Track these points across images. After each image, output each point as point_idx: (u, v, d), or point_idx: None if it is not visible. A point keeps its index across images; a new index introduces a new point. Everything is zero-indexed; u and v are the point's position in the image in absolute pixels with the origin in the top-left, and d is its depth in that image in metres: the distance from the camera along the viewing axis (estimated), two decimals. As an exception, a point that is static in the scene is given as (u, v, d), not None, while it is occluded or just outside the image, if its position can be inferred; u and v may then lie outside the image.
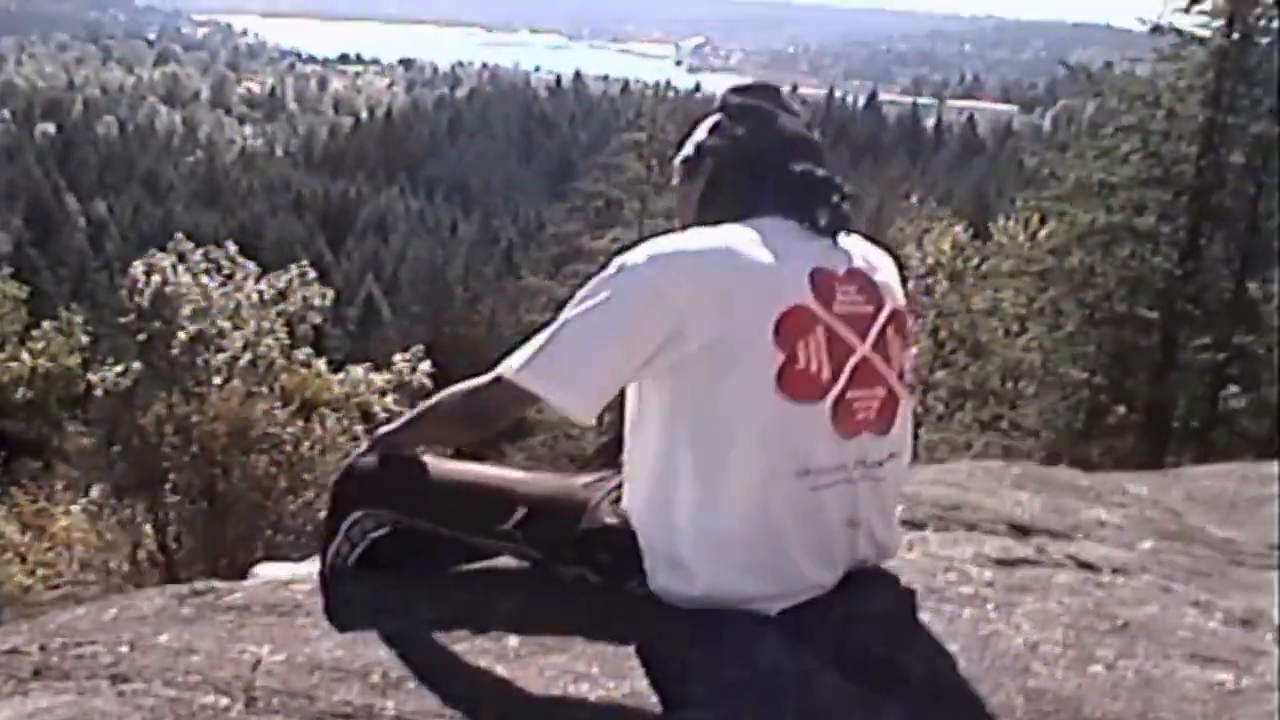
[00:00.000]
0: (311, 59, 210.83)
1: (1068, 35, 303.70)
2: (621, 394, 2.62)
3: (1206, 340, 23.03)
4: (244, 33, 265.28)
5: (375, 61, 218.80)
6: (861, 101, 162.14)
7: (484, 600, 2.62)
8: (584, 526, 2.64)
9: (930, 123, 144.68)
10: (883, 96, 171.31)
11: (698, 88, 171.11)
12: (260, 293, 26.27)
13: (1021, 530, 3.42)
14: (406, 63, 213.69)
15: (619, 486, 2.72)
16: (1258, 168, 23.80)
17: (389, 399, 25.26)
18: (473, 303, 56.12)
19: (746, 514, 2.50)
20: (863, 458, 2.59)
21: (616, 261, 2.52)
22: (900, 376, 2.68)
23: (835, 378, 2.52)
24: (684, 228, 2.73)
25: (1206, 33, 24.00)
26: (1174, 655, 2.56)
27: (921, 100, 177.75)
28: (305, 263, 29.15)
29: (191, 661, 2.32)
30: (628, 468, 2.67)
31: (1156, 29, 24.49)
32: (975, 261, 31.21)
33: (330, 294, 29.28)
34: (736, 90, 2.85)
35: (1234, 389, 23.55)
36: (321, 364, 25.42)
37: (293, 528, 19.30)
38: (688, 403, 2.49)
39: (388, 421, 15.74)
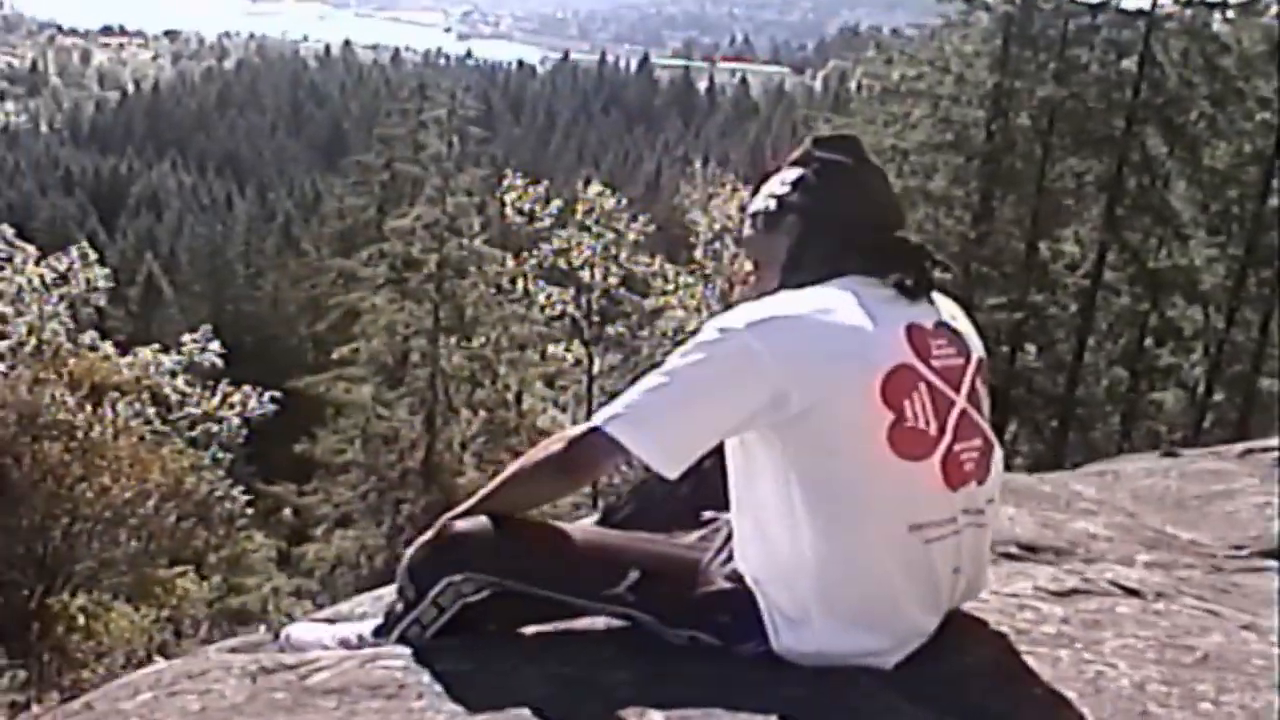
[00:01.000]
0: (73, 31, 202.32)
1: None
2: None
3: (1002, 300, 23.44)
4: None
5: (139, 33, 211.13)
6: (634, 65, 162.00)
7: (599, 670, 2.53)
8: (701, 590, 2.61)
9: (703, 85, 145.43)
10: (655, 60, 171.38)
11: (469, 54, 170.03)
12: (41, 276, 25.38)
13: (1030, 549, 3.52)
14: (171, 34, 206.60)
15: (724, 545, 2.68)
16: (1045, 131, 24.39)
17: (180, 380, 24.90)
18: (255, 279, 55.14)
19: (866, 571, 2.51)
20: (968, 507, 2.61)
21: (714, 325, 2.52)
22: (989, 423, 2.71)
23: (942, 432, 2.55)
24: (762, 284, 2.74)
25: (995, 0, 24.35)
26: (1261, 686, 2.58)
27: (693, 63, 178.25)
28: (84, 243, 28.28)
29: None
30: (740, 529, 2.63)
31: (947, -5, 24.87)
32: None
33: (109, 274, 28.50)
34: (820, 144, 2.79)
35: (1030, 347, 24.02)
36: (108, 346, 24.65)
37: (90, 515, 18.65)
38: (801, 463, 2.49)
39: (181, 404, 15.21)
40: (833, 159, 2.74)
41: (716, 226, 30.87)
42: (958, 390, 2.60)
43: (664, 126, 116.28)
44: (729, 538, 2.69)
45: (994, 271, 23.98)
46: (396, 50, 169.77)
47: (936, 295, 2.73)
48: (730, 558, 2.65)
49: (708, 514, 2.81)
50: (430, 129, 30.23)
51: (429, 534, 2.69)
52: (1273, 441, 5.45)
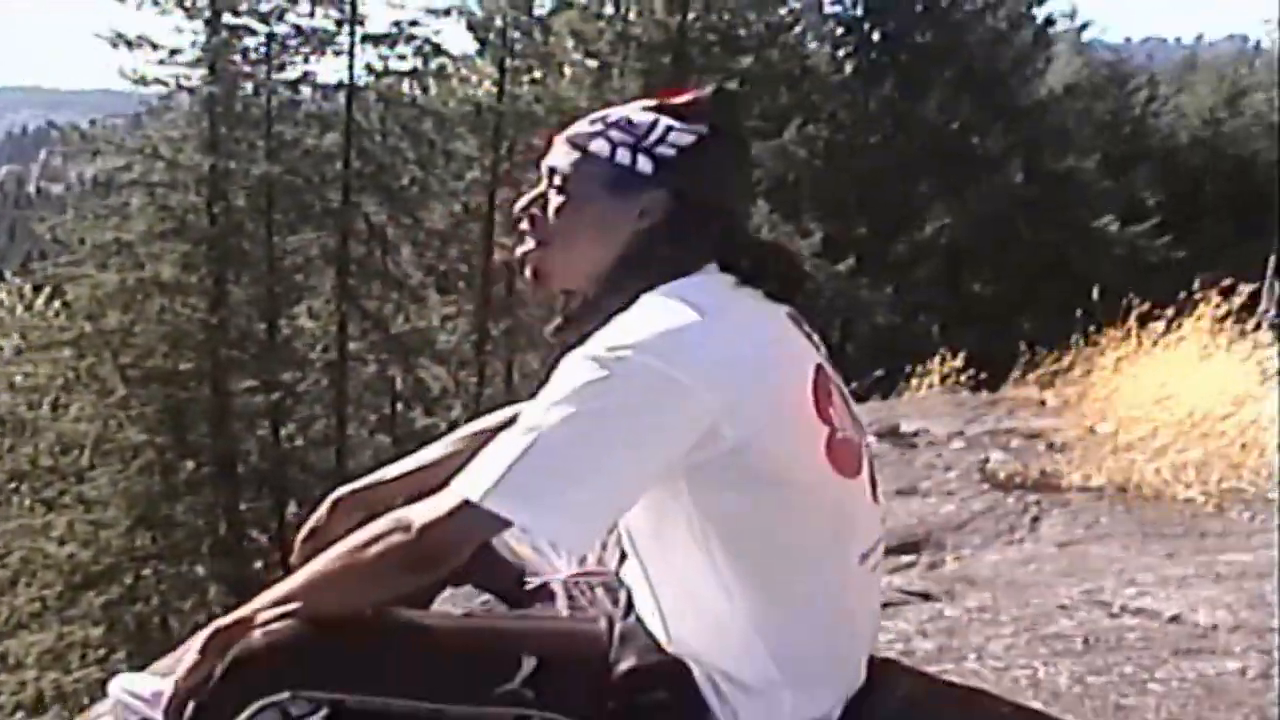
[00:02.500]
0: None
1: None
2: None
3: (255, 383, 23.14)
4: None
5: None
6: None
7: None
8: (620, 668, 2.00)
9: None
10: None
11: None
12: None
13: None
14: None
15: (626, 610, 2.14)
16: (265, 209, 24.09)
17: None
18: None
19: (826, 619, 2.01)
20: (881, 517, 2.19)
21: (588, 355, 1.82)
22: None
23: (858, 438, 2.03)
24: (563, 268, 2.06)
25: (194, 82, 23.84)
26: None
27: None
28: None
29: None
30: (661, 600, 2.05)
31: (140, 80, 23.95)
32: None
33: None
34: (722, 98, 2.05)
35: (293, 426, 23.57)
36: None
37: None
38: (733, 509, 1.90)
39: None
40: (731, 123, 2.05)
41: None
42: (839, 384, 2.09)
43: None
44: (629, 601, 2.15)
45: (241, 354, 23.22)
46: None
47: None
48: (632, 621, 2.10)
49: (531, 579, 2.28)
50: None
51: (204, 646, 1.86)
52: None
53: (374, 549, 1.82)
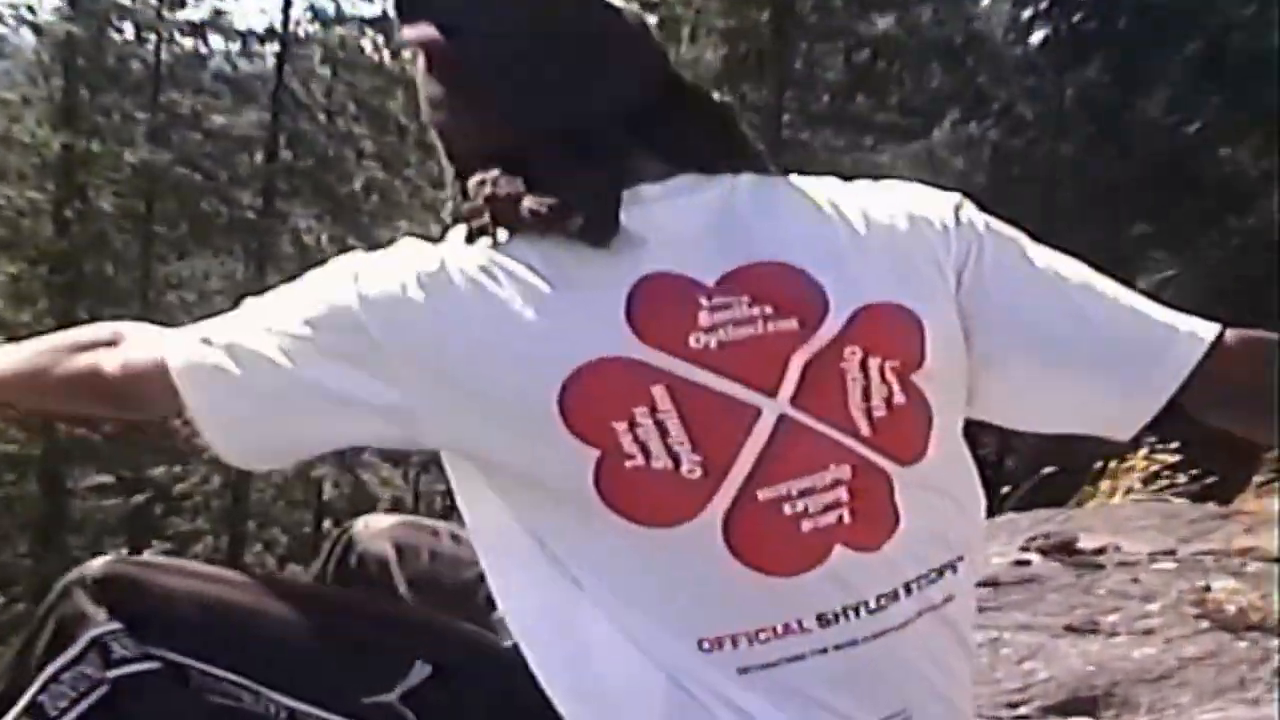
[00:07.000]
0: None
1: None
2: None
3: (107, 479, 19.50)
4: None
5: None
6: None
7: None
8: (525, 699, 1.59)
9: None
10: None
11: None
12: None
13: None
14: None
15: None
16: (144, 215, 20.03)
17: None
18: None
19: None
20: (861, 598, 1.51)
21: (346, 267, 1.50)
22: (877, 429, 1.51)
23: (718, 470, 1.46)
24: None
25: (45, 18, 19.22)
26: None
27: None
28: None
29: None
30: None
31: None
32: None
33: None
34: None
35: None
36: None
37: None
38: (535, 531, 1.54)
39: None
40: None
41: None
42: (775, 384, 1.46)
43: None
44: None
45: (90, 437, 17.54)
46: None
47: (793, 191, 1.55)
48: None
49: None
50: None
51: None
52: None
53: (81, 363, 1.69)
